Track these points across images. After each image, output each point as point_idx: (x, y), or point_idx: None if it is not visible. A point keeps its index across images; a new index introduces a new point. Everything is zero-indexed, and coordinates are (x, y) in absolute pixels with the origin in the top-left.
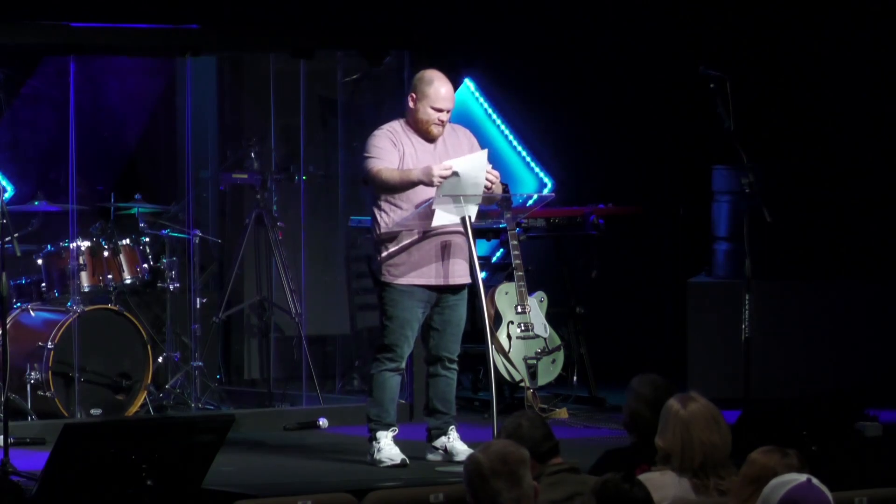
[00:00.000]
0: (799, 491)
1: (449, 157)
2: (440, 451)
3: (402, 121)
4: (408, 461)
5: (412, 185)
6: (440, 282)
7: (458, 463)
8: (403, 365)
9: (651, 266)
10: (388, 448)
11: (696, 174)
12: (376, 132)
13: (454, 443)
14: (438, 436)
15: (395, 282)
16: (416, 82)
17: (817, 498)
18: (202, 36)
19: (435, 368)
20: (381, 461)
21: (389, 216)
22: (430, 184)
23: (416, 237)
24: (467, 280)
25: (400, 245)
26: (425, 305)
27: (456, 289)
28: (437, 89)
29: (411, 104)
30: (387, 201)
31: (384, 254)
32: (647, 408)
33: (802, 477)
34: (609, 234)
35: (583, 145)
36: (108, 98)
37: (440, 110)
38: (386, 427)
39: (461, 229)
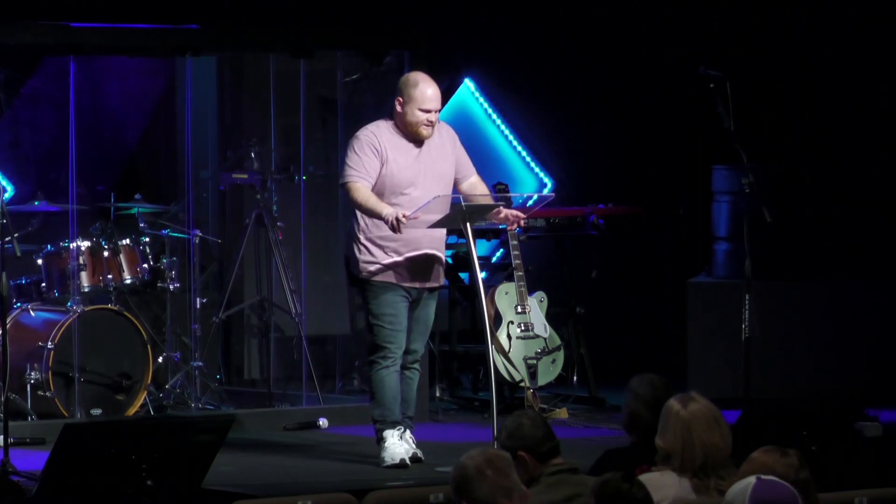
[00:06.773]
0: (760, 491)
1: (432, 160)
2: None
3: (389, 122)
4: (408, 461)
5: (378, 217)
6: (415, 284)
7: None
8: (399, 360)
9: (651, 266)
10: (392, 447)
11: (696, 174)
12: (359, 135)
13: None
14: None
15: (374, 278)
16: (401, 86)
17: (777, 492)
18: (202, 36)
19: None
20: (383, 460)
21: (371, 218)
22: (392, 228)
23: (394, 239)
24: (440, 283)
25: (378, 244)
26: (406, 300)
27: (430, 288)
28: (424, 91)
29: (398, 108)
30: None
31: (363, 253)
32: (647, 408)
33: (752, 478)
34: (609, 234)
35: (583, 145)
36: (108, 98)
37: (428, 111)
38: (392, 426)
39: (439, 233)
